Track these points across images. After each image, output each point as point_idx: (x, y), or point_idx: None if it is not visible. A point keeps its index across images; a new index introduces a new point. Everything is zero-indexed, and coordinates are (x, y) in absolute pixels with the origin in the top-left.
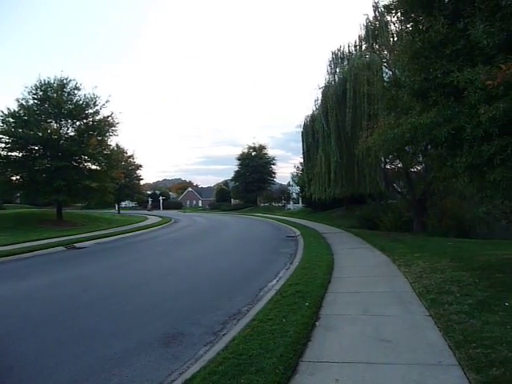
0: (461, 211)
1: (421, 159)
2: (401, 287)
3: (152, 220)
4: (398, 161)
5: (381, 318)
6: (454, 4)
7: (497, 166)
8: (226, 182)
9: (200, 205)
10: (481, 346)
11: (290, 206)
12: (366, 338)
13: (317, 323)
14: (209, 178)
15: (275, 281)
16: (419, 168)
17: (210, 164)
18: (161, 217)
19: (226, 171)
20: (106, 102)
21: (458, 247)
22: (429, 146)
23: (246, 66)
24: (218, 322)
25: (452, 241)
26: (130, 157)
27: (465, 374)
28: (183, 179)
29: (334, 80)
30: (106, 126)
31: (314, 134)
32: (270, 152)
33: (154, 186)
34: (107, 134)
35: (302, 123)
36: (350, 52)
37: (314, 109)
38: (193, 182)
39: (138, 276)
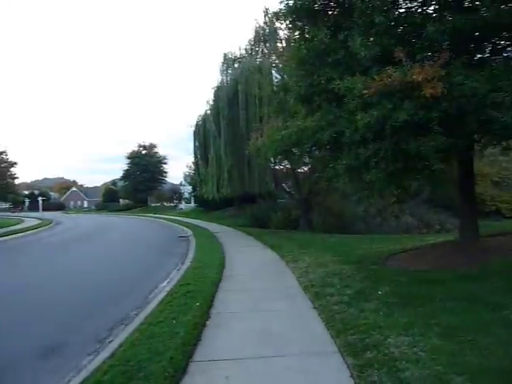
0: (342, 209)
1: (307, 160)
2: (288, 282)
3: (30, 222)
4: (286, 162)
5: (269, 312)
6: (335, 17)
7: (372, 168)
8: (114, 182)
9: (85, 206)
10: (357, 333)
11: (182, 205)
12: (256, 334)
13: (207, 322)
14: (95, 177)
15: (166, 282)
16: (306, 169)
17: (96, 162)
18: (40, 219)
19: (114, 170)
20: None
21: (339, 243)
22: (314, 148)
23: (136, 62)
24: (104, 328)
25: (334, 237)
26: (1, 153)
27: (343, 359)
28: (66, 178)
29: (227, 81)
30: None
31: (205, 134)
32: (163, 151)
33: (33, 185)
34: None
35: (195, 123)
36: (241, 55)
37: (207, 109)
38: (77, 181)
39: (13, 284)
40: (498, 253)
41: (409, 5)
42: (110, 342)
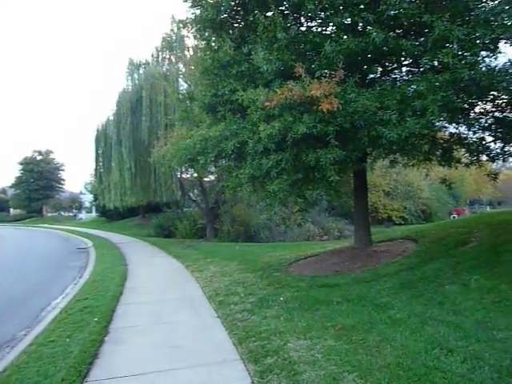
0: (248, 218)
1: (213, 169)
2: (193, 292)
3: None
4: (192, 170)
5: (172, 324)
6: (240, 30)
7: (274, 178)
8: (3, 190)
9: None
10: (259, 339)
11: (83, 215)
12: (157, 347)
13: (106, 338)
14: None
15: (61, 298)
16: (212, 178)
17: None
18: None
19: (5, 177)
20: None
21: (244, 251)
22: (218, 157)
23: (37, 69)
24: None
25: (240, 245)
26: None
27: (245, 366)
28: None
29: (132, 87)
30: None
31: (107, 140)
32: (62, 157)
33: None
34: None
35: (96, 128)
36: (147, 61)
37: (110, 114)
38: None
39: None
40: (387, 257)
41: (309, 24)
42: None
